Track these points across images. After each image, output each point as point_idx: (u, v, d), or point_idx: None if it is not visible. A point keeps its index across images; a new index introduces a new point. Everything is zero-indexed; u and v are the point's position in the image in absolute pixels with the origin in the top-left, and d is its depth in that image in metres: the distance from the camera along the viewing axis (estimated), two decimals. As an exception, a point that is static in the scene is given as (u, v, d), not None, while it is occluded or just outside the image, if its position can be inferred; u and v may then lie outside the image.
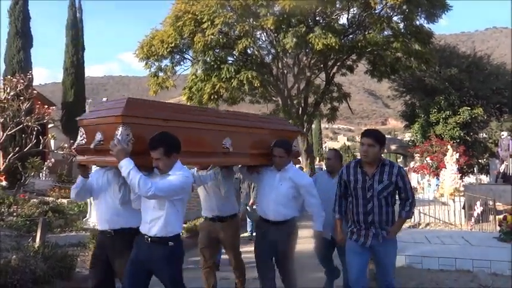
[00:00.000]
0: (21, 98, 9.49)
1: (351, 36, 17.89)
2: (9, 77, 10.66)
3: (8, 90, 9.45)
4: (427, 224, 10.87)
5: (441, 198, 12.51)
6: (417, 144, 20.47)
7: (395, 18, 16.99)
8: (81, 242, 6.97)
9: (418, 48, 16.84)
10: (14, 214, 8.86)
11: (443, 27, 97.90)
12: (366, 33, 17.02)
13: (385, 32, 16.96)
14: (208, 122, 3.51)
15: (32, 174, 10.68)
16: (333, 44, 14.85)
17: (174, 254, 3.10)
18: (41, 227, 6.11)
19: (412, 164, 21.16)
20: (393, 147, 26.77)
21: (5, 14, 16.18)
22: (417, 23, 17.19)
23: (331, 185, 4.24)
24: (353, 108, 24.18)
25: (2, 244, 6.60)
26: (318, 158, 39.06)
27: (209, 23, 15.15)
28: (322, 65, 19.20)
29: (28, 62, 15.90)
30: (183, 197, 3.12)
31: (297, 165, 5.13)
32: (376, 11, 16.50)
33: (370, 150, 3.46)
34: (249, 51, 17.57)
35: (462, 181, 13.06)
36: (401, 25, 17.08)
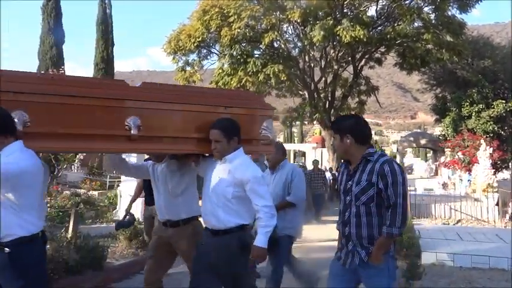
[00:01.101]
0: (54, 92, 9.73)
1: (379, 28, 17.55)
2: (43, 72, 10.99)
3: (42, 85, 9.72)
4: (459, 221, 10.57)
5: (473, 194, 12.15)
6: (448, 138, 19.95)
7: (426, 9, 16.56)
8: (111, 234, 7.12)
9: (449, 40, 16.36)
10: (48, 205, 9.15)
11: (477, 18, 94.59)
12: (395, 24, 16.64)
13: (415, 24, 16.54)
14: (90, 95, 2.56)
15: (65, 166, 11.02)
16: (361, 37, 14.59)
17: (14, 263, 2.33)
18: (73, 218, 6.28)
19: (442, 159, 20.65)
20: (423, 141, 26.15)
21: (39, 11, 16.65)
22: (449, 13, 16.70)
23: (274, 180, 4.12)
24: (381, 102, 23.78)
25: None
26: (344, 153, 38.53)
27: (236, 17, 15.15)
28: (349, 58, 18.92)
29: (60, 58, 16.37)
30: (19, 188, 2.32)
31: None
32: (406, 2, 16.13)
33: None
34: (275, 45, 17.48)
35: (496, 177, 12.64)
36: (433, 16, 16.62)
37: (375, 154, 2.63)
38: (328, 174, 15.52)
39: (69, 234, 5.99)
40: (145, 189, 5.41)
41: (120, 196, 9.84)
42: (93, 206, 10.25)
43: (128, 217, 5.36)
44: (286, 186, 4.09)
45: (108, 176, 14.89)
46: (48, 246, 5.21)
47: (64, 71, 11.83)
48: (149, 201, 5.14)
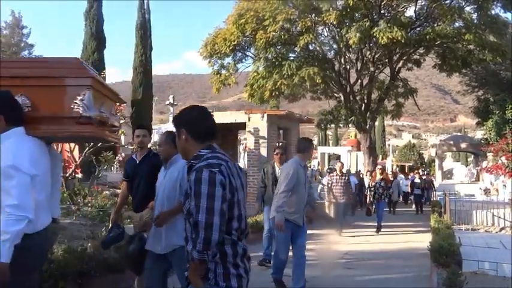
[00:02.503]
0: (96, 96, 10.09)
1: (418, 28, 17.11)
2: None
3: (84, 89, 10.10)
4: (502, 229, 10.16)
5: (518, 200, 11.60)
6: (491, 142, 19.18)
7: (467, 9, 16.00)
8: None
9: (493, 40, 15.74)
10: (89, 205, 9.47)
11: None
12: (435, 25, 16.18)
13: (456, 24, 16.02)
14: None
15: (105, 167, 11.39)
16: (399, 38, 14.28)
17: None
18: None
19: (484, 164, 19.88)
20: (463, 145, 25.25)
21: (82, 17, 17.29)
22: (492, 12, 16.08)
23: (164, 178, 3.58)
24: (419, 105, 23.15)
25: (78, 232, 7.09)
26: (380, 156, 37.86)
27: (271, 20, 15.17)
28: (386, 60, 18.55)
29: (102, 62, 16.90)
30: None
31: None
32: (446, 2, 15.66)
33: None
34: (310, 47, 17.38)
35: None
36: (475, 15, 16.04)
37: (204, 157, 2.15)
38: (353, 179, 14.74)
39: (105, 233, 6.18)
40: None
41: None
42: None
43: (114, 230, 4.30)
44: (177, 187, 3.39)
45: (146, 177, 15.18)
46: (89, 244, 5.43)
47: (105, 75, 12.24)
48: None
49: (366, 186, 13.65)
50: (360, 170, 18.68)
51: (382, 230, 10.72)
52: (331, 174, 10.61)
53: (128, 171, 4.52)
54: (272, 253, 5.97)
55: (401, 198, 18.10)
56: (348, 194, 10.21)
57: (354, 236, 9.99)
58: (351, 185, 11.63)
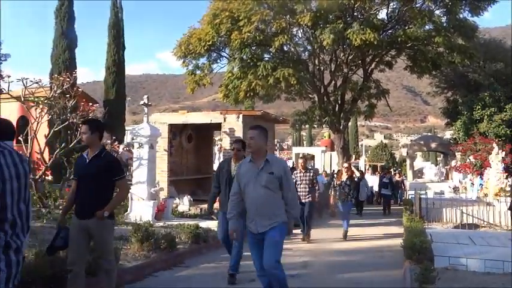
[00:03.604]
0: (67, 96, 9.89)
1: (390, 31, 17.46)
2: (55, 75, 11.14)
3: (55, 89, 9.88)
4: (470, 225, 10.47)
5: (485, 198, 12.01)
6: (459, 142, 19.78)
7: (437, 12, 16.43)
8: (124, 236, 7.16)
9: (461, 43, 16.24)
10: (60, 207, 9.23)
11: (489, 20, 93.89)
12: (406, 28, 16.54)
13: (427, 27, 16.42)
14: None
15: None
16: (372, 40, 14.54)
17: None
18: (86, 220, 6.34)
19: (453, 163, 20.47)
20: (433, 145, 25.92)
21: (52, 15, 16.87)
22: (461, 16, 16.58)
23: None
24: (391, 105, 23.61)
25: (49, 235, 6.91)
26: (354, 156, 38.45)
27: (246, 21, 15.17)
28: (360, 61, 18.85)
29: (73, 62, 16.55)
30: None
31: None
32: (417, 5, 16.04)
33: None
34: (285, 48, 17.47)
35: (508, 181, 12.50)
36: (444, 19, 16.51)
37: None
38: (322, 178, 14.10)
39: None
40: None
41: (131, 199, 9.91)
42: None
43: (60, 235, 4.06)
44: None
45: (119, 179, 14.94)
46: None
47: (76, 74, 11.98)
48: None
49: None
50: (333, 170, 18.82)
51: (352, 229, 9.98)
52: (294, 172, 9.31)
53: (76, 170, 4.30)
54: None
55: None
56: (313, 193, 9.03)
57: (316, 242, 9.05)
58: (319, 183, 10.51)
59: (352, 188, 9.93)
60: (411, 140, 34.06)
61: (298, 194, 8.64)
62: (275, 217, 3.99)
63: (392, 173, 19.02)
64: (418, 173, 28.66)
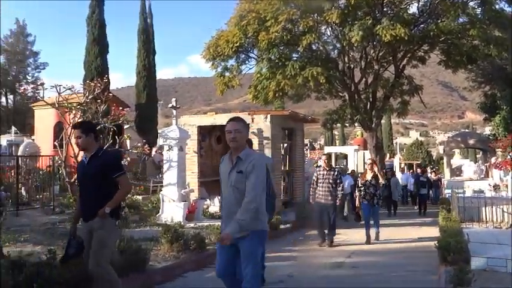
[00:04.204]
0: (99, 100, 10.15)
1: (422, 25, 16.95)
2: (88, 81, 11.47)
3: (87, 94, 10.16)
4: (512, 225, 10.00)
5: (528, 196, 11.44)
6: (499, 138, 18.99)
7: (471, 4, 15.83)
8: (154, 237, 7.27)
9: (498, 35, 15.56)
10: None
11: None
12: (439, 21, 16.01)
13: (461, 19, 15.85)
14: None
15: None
16: (402, 35, 14.15)
17: None
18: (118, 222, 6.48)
19: (493, 160, 19.66)
20: (471, 141, 24.97)
21: (84, 23, 17.42)
22: (496, 7, 15.91)
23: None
24: (426, 102, 22.97)
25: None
26: (388, 155, 37.60)
27: (273, 21, 15.12)
28: (391, 58, 18.40)
29: (105, 67, 17.02)
30: None
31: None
32: (449, -2, 15.49)
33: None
34: (313, 47, 17.28)
35: (553, 178, 11.87)
36: (479, 10, 15.88)
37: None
38: (349, 179, 12.96)
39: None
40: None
41: (163, 200, 10.07)
42: (137, 210, 10.52)
43: (72, 244, 4.02)
44: None
45: (152, 181, 15.27)
46: (93, 248, 5.41)
47: (108, 80, 12.28)
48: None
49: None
50: (353, 170, 18.25)
51: (384, 229, 9.44)
52: (317, 169, 8.80)
53: (77, 175, 4.31)
54: None
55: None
56: (336, 193, 8.27)
57: (337, 246, 8.40)
58: (344, 183, 9.92)
59: (378, 188, 9.03)
60: (448, 137, 32.98)
61: (320, 193, 8.25)
62: (250, 224, 3.48)
63: (429, 172, 18.44)
64: (457, 171, 27.73)
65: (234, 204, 3.52)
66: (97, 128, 4.24)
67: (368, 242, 8.74)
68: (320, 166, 8.84)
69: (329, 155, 9.49)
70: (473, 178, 22.83)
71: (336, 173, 8.41)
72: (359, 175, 11.80)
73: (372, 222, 9.11)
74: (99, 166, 3.90)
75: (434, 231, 9.61)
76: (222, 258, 3.63)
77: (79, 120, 3.97)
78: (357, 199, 9.34)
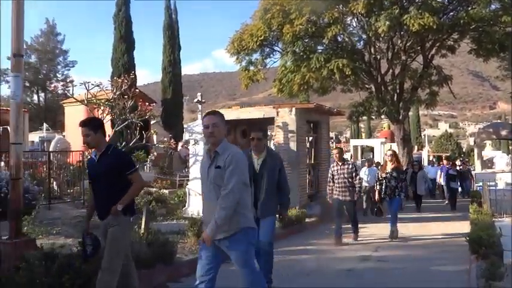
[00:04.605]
0: (126, 97, 10.33)
1: (451, 13, 16.46)
2: (115, 78, 11.68)
3: (115, 90, 10.36)
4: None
5: None
6: (533, 128, 18.28)
7: (504, -11, 15.25)
8: (181, 230, 7.38)
9: (532, 20, 14.94)
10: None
11: None
12: (469, 8, 15.51)
13: (492, 6, 15.31)
14: None
15: (138, 166, 11.63)
16: (431, 24, 13.76)
17: None
18: (146, 216, 6.61)
19: (527, 151, 18.97)
20: (504, 132, 24.10)
21: (111, 21, 17.73)
22: (531, -9, 15.25)
23: None
24: (455, 92, 22.33)
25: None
26: (416, 147, 36.87)
27: (297, 13, 15.01)
28: (419, 47, 17.95)
29: (131, 64, 17.30)
30: None
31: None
32: (480, -17, 14.96)
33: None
34: (339, 39, 17.05)
35: None
36: (512, -4, 15.28)
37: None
38: (364, 170, 12.27)
39: (142, 231, 6.30)
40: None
41: (189, 194, 10.19)
42: (164, 203, 10.69)
43: (87, 242, 3.97)
44: None
45: (178, 175, 15.47)
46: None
47: (135, 76, 12.49)
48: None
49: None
50: (378, 162, 17.79)
51: (409, 225, 9.28)
52: (332, 165, 8.34)
53: (89, 172, 4.18)
54: None
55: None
56: (353, 189, 7.88)
57: (349, 245, 7.89)
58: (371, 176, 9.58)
59: (400, 180, 8.47)
60: (479, 128, 32.02)
61: (336, 190, 7.91)
62: (230, 222, 3.31)
63: (458, 164, 17.85)
64: (488, 163, 26.93)
65: (215, 202, 3.32)
66: (103, 125, 4.07)
67: (396, 236, 8.39)
68: (334, 162, 8.36)
69: (341, 149, 8.91)
70: (506, 170, 22.11)
71: (350, 166, 8.03)
72: (379, 167, 11.26)
73: (389, 216, 8.76)
74: (111, 164, 3.83)
75: (464, 226, 9.37)
76: (201, 262, 3.41)
77: (87, 117, 3.89)
78: (377, 192, 8.85)
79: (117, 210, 3.75)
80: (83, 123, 3.92)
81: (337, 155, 8.19)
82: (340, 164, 7.99)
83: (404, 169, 12.24)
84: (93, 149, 4.05)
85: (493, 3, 15.15)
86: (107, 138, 11.07)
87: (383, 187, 8.52)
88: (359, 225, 8.61)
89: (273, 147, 20.83)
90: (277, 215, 5.21)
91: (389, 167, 8.57)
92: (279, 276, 5.41)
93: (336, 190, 7.94)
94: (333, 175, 8.01)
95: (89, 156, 4.04)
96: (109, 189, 3.82)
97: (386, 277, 5.69)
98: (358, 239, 8.34)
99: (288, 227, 8.81)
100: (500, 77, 25.26)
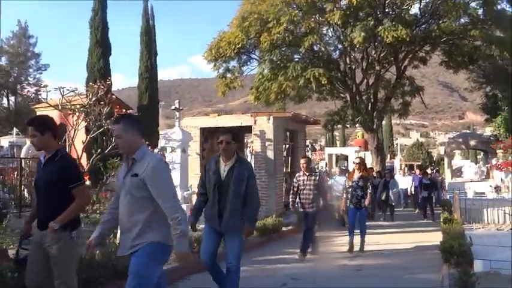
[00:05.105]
0: (102, 102, 10.18)
1: (423, 26, 16.99)
2: (91, 83, 11.50)
3: (90, 96, 10.19)
4: (514, 226, 10.00)
5: (530, 197, 11.44)
6: (500, 139, 19.01)
7: (473, 4, 15.85)
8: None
9: (499, 35, 15.61)
10: (97, 211, 9.51)
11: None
12: (440, 22, 16.08)
13: (462, 20, 15.91)
14: None
15: (113, 174, 11.42)
16: (404, 36, 14.19)
17: None
18: (121, 224, 6.49)
19: (494, 161, 19.66)
20: (472, 142, 24.97)
21: (87, 25, 17.44)
22: (498, 7, 15.95)
23: None
24: (427, 103, 23.01)
25: (86, 240, 7.11)
26: (388, 156, 37.63)
27: (275, 22, 15.17)
28: (392, 58, 18.44)
29: (107, 69, 17.05)
30: None
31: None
32: (451, -2, 15.52)
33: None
34: (315, 48, 17.34)
35: (555, 179, 11.87)
36: (480, 11, 15.90)
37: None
38: (342, 180, 10.21)
39: (118, 240, 6.19)
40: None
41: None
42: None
43: (22, 247, 3.61)
44: None
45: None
46: (98, 251, 5.43)
47: (111, 81, 12.31)
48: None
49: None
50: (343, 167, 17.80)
51: (381, 236, 9.14)
52: (297, 175, 7.78)
53: (36, 176, 3.77)
54: None
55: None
56: (318, 200, 7.41)
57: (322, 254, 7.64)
58: (325, 187, 8.51)
59: (366, 190, 8.02)
60: (449, 138, 32.98)
61: (302, 202, 7.42)
62: (139, 236, 3.08)
63: (429, 172, 18.23)
64: (457, 172, 27.71)
65: (129, 215, 3.13)
66: (55, 126, 3.58)
67: (350, 250, 7.96)
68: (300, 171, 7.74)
69: (309, 158, 8.35)
70: (474, 179, 22.83)
71: (317, 177, 7.50)
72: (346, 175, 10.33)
73: (357, 229, 8.24)
74: (54, 173, 3.37)
75: (436, 235, 9.60)
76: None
77: (35, 116, 3.55)
78: (343, 202, 8.56)
79: (53, 228, 3.26)
80: (29, 122, 3.52)
81: (304, 165, 7.56)
82: (307, 174, 7.47)
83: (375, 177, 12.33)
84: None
85: (463, 17, 15.73)
86: (81, 145, 10.87)
87: (350, 196, 8.14)
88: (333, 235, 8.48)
89: (249, 155, 20.86)
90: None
91: (357, 175, 8.14)
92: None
93: (302, 201, 7.45)
94: (298, 185, 7.50)
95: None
96: (49, 199, 3.38)
97: (361, 285, 5.78)
98: (332, 248, 8.09)
99: (265, 235, 8.84)
100: (468, 88, 26.17)
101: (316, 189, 7.40)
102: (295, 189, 7.55)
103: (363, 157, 11.22)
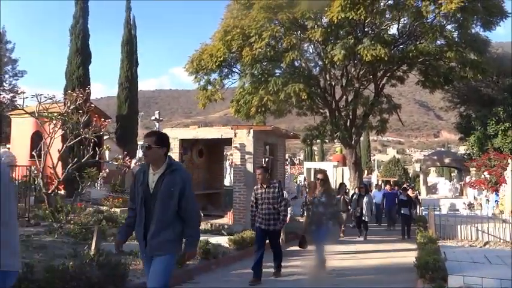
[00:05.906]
0: (80, 111, 10.04)
1: (401, 46, 17.46)
2: (69, 91, 11.34)
3: (69, 104, 10.04)
4: (486, 243, 10.24)
5: (501, 215, 11.76)
6: (473, 157, 19.53)
7: (449, 27, 16.43)
8: (133, 251, 7.16)
9: (473, 58, 16.15)
10: (72, 222, 9.29)
11: (501, 35, 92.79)
12: (418, 43, 16.54)
13: (438, 42, 16.40)
14: None
15: (89, 183, 11.22)
16: (382, 55, 14.54)
17: None
18: (96, 235, 6.37)
19: (468, 179, 20.17)
20: (447, 160, 25.63)
21: (67, 33, 17.24)
22: (472, 31, 16.52)
23: None
24: (403, 120, 23.50)
25: (60, 251, 6.93)
26: (366, 171, 38.15)
27: (257, 37, 15.33)
28: (371, 76, 18.85)
29: (86, 78, 16.84)
30: None
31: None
32: (428, 20, 16.03)
33: None
34: (296, 64, 17.57)
35: (525, 197, 12.23)
36: (456, 34, 16.47)
37: None
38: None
39: (92, 251, 6.06)
40: None
41: (142, 214, 9.90)
42: (115, 223, 10.34)
43: None
44: None
45: (130, 194, 15.01)
46: (71, 263, 5.30)
47: (90, 90, 12.16)
48: None
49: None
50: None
51: (362, 245, 9.48)
52: (255, 188, 6.91)
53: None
54: None
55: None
56: (278, 216, 6.61)
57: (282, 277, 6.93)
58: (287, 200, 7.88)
59: (329, 206, 6.79)
60: (424, 155, 33.71)
61: (259, 217, 6.64)
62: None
63: (406, 189, 18.30)
64: (432, 189, 28.29)
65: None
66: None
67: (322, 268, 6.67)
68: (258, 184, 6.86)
69: (266, 169, 7.30)
70: (449, 196, 23.35)
71: (276, 189, 6.65)
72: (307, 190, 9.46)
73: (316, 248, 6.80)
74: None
75: (411, 250, 9.73)
76: None
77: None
78: (304, 220, 7.79)
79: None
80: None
81: (259, 176, 6.72)
82: (264, 186, 6.65)
83: (346, 192, 12.20)
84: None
85: (439, 39, 16.23)
86: (57, 154, 10.64)
87: (310, 213, 7.01)
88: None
89: (228, 167, 20.78)
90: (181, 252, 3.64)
91: (319, 190, 6.91)
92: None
93: (259, 217, 6.63)
94: (256, 199, 6.72)
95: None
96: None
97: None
98: (282, 273, 7.07)
99: (243, 249, 8.78)
100: (444, 107, 26.87)
101: (276, 202, 6.58)
102: (253, 203, 6.79)
103: (321, 169, 9.83)
